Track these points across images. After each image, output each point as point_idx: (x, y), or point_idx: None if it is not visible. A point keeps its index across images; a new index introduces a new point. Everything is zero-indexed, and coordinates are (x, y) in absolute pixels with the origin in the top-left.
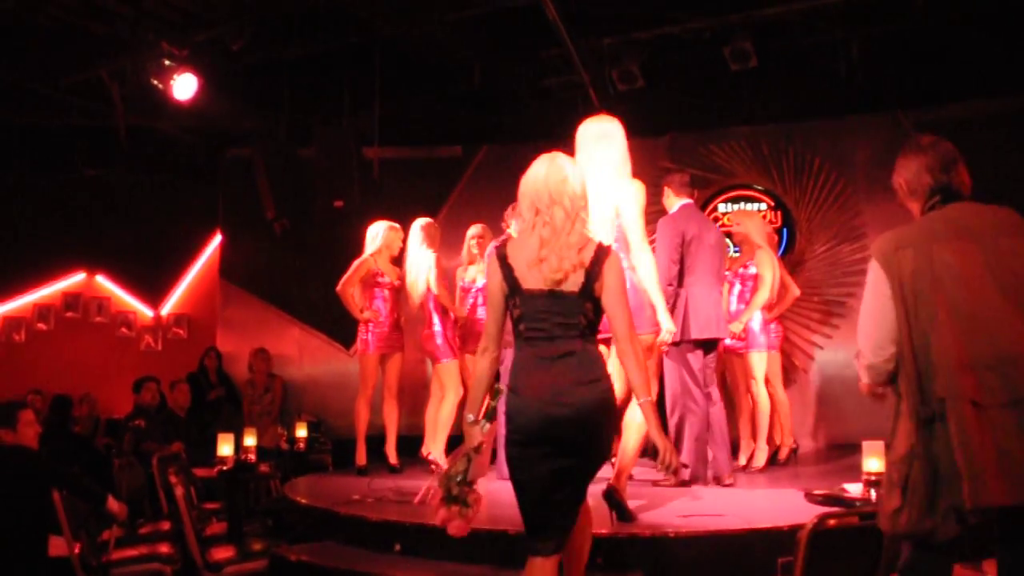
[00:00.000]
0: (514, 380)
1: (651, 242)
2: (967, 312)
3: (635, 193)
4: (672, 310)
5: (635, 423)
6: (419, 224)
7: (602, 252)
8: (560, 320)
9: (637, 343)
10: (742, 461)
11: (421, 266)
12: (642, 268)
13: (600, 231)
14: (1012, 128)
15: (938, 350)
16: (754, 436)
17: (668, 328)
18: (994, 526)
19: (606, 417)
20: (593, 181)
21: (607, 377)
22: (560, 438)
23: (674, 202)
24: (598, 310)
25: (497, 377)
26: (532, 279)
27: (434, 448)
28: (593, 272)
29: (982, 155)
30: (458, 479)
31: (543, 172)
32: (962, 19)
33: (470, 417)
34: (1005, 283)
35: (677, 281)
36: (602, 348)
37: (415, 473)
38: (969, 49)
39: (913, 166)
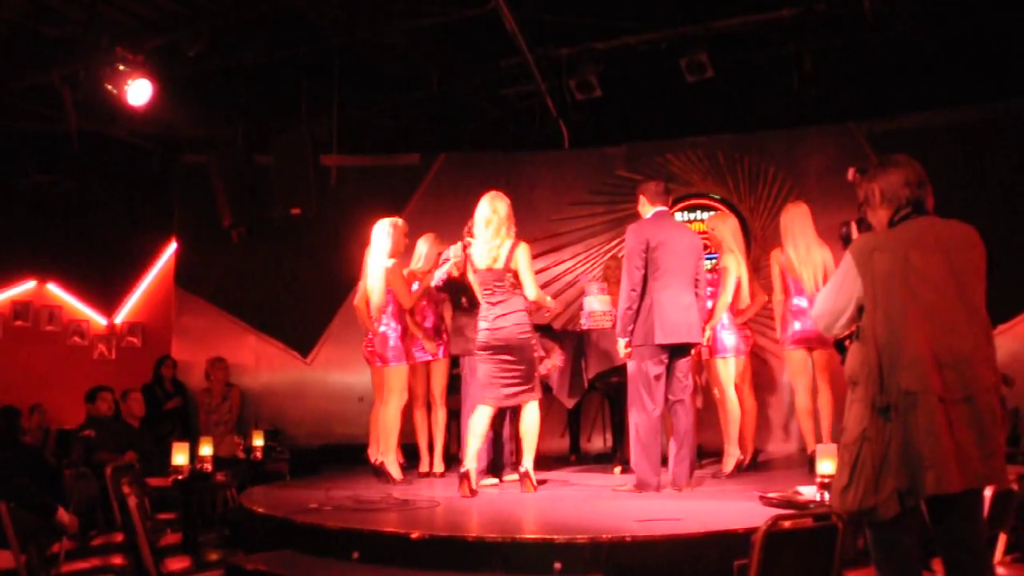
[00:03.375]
0: (480, 316)
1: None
2: (934, 315)
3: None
4: (637, 315)
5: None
6: (378, 225)
7: (515, 245)
8: (496, 283)
9: (540, 294)
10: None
11: (379, 269)
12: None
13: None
14: (963, 140)
15: (908, 347)
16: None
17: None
18: (929, 512)
19: (524, 332)
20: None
21: (524, 312)
22: (498, 343)
23: (648, 210)
24: (515, 276)
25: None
26: (480, 262)
27: (387, 457)
28: (509, 256)
29: (933, 167)
30: None
31: (484, 205)
32: (913, 33)
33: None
34: (963, 291)
35: (640, 287)
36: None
37: (373, 481)
38: (920, 62)
39: (893, 178)
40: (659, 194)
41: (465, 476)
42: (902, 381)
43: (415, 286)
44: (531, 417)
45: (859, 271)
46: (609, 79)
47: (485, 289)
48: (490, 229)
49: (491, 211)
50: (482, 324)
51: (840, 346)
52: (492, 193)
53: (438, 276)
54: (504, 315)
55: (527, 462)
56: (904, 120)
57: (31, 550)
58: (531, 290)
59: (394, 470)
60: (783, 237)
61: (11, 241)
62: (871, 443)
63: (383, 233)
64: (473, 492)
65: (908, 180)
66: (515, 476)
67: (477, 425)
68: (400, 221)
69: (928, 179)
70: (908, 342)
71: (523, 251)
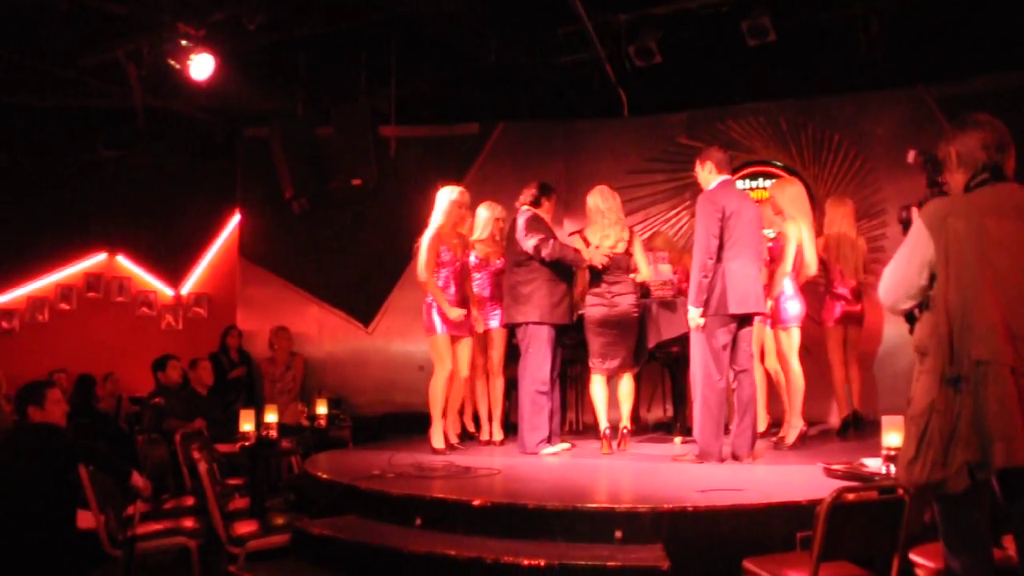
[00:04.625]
0: (592, 291)
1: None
2: (1009, 285)
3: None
4: (711, 285)
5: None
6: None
7: (631, 232)
8: (618, 266)
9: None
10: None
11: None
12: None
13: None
14: None
15: (981, 316)
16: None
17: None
18: (1001, 487)
19: (636, 312)
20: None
21: (635, 294)
22: (616, 318)
23: (714, 178)
24: (632, 261)
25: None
26: (605, 246)
27: (432, 426)
28: (630, 242)
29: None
30: None
31: (604, 197)
32: None
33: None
34: None
35: (716, 256)
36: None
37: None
38: (991, 21)
39: (970, 140)
40: (725, 163)
41: (604, 436)
42: (973, 351)
43: (472, 257)
44: (627, 387)
45: (932, 235)
46: (669, 45)
47: (607, 271)
48: (609, 218)
49: (611, 201)
50: (597, 300)
51: (910, 316)
52: (603, 187)
53: (570, 253)
54: (623, 294)
55: (625, 421)
56: (976, 82)
57: (109, 511)
58: (646, 271)
59: (436, 439)
60: (826, 228)
61: (83, 215)
62: (940, 415)
63: (438, 202)
64: (611, 449)
65: (986, 143)
66: (566, 445)
67: (599, 393)
68: (456, 192)
69: (1012, 142)
70: (981, 311)
71: (638, 238)
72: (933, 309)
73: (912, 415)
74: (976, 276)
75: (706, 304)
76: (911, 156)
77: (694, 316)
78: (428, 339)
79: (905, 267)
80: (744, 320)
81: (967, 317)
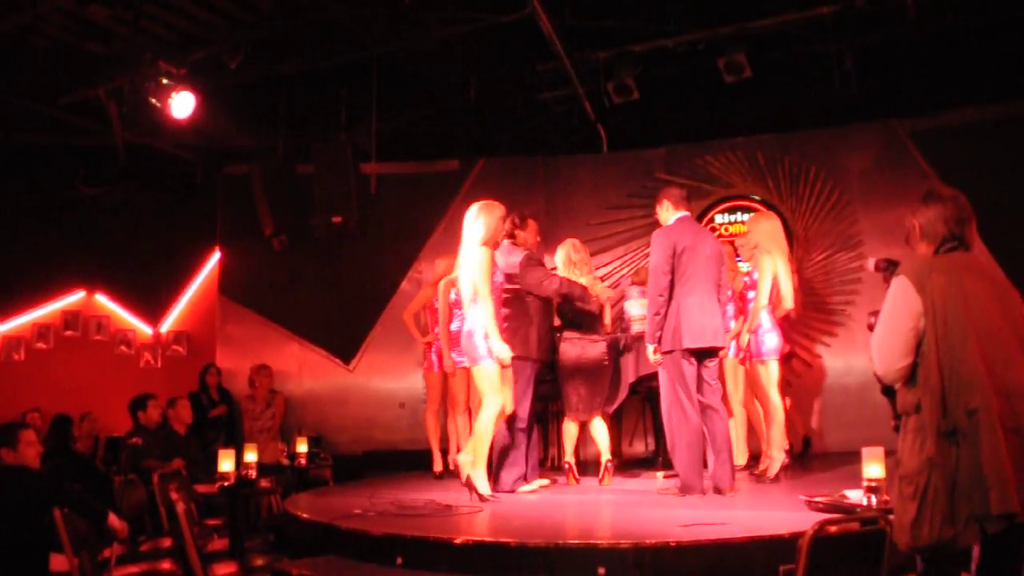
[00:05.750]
0: (565, 336)
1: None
2: (989, 342)
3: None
4: (664, 321)
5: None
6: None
7: (601, 283)
8: (588, 311)
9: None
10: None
11: (472, 260)
12: None
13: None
14: (1007, 135)
15: (970, 367)
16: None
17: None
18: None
19: (605, 361)
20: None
21: (606, 341)
22: (589, 365)
23: (671, 215)
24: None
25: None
26: None
27: (475, 470)
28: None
29: (979, 163)
30: None
31: (572, 247)
32: (956, 28)
33: None
34: (1014, 324)
35: (668, 292)
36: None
37: (415, 487)
38: (963, 57)
39: (931, 214)
40: (682, 199)
41: (569, 470)
42: (967, 400)
43: (452, 294)
44: (601, 426)
45: (917, 290)
46: (647, 81)
47: (576, 315)
48: (583, 268)
49: (582, 252)
50: (569, 346)
51: (888, 390)
52: (573, 240)
53: (553, 287)
54: (596, 341)
55: (605, 458)
56: (949, 116)
57: (83, 555)
58: (609, 321)
59: (482, 484)
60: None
61: (61, 253)
62: (940, 469)
63: (477, 217)
64: (577, 481)
65: (947, 217)
66: (544, 481)
67: (570, 430)
68: (477, 206)
69: (973, 216)
70: (969, 363)
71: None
72: (923, 363)
73: (905, 475)
74: (963, 328)
75: (661, 340)
76: (871, 264)
77: (650, 352)
78: (473, 371)
79: (895, 324)
80: (705, 355)
81: (957, 368)
